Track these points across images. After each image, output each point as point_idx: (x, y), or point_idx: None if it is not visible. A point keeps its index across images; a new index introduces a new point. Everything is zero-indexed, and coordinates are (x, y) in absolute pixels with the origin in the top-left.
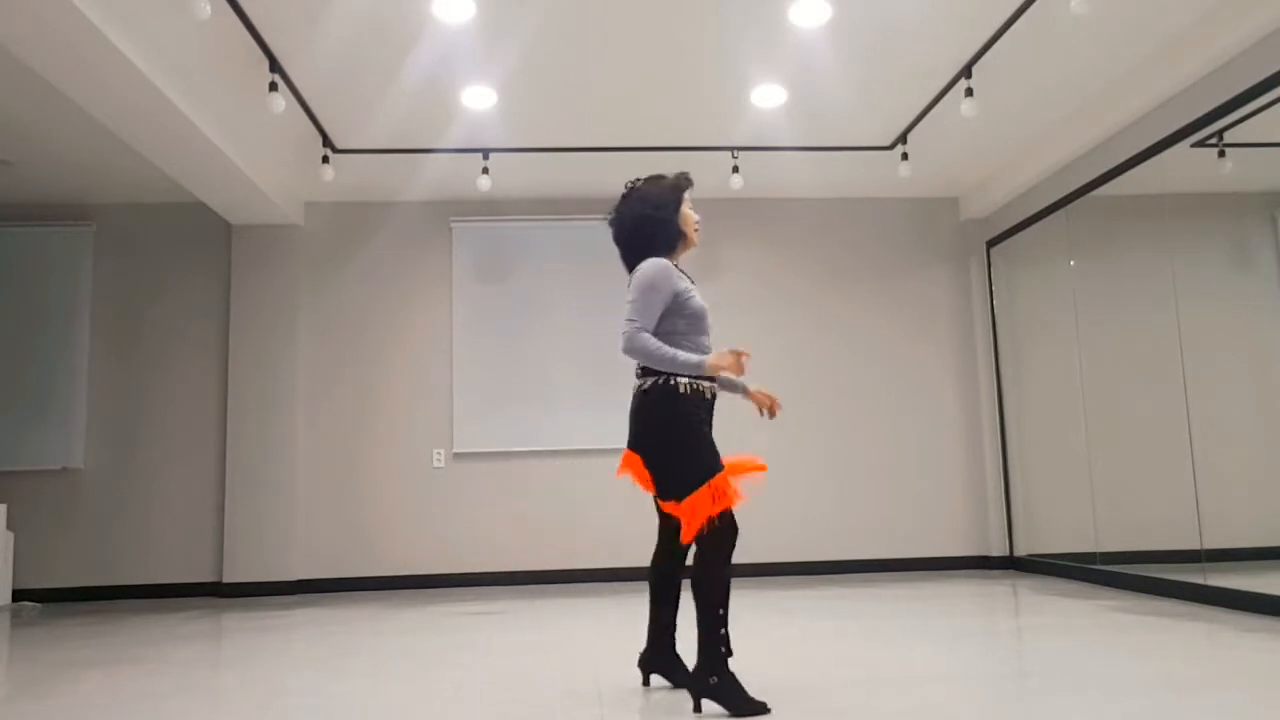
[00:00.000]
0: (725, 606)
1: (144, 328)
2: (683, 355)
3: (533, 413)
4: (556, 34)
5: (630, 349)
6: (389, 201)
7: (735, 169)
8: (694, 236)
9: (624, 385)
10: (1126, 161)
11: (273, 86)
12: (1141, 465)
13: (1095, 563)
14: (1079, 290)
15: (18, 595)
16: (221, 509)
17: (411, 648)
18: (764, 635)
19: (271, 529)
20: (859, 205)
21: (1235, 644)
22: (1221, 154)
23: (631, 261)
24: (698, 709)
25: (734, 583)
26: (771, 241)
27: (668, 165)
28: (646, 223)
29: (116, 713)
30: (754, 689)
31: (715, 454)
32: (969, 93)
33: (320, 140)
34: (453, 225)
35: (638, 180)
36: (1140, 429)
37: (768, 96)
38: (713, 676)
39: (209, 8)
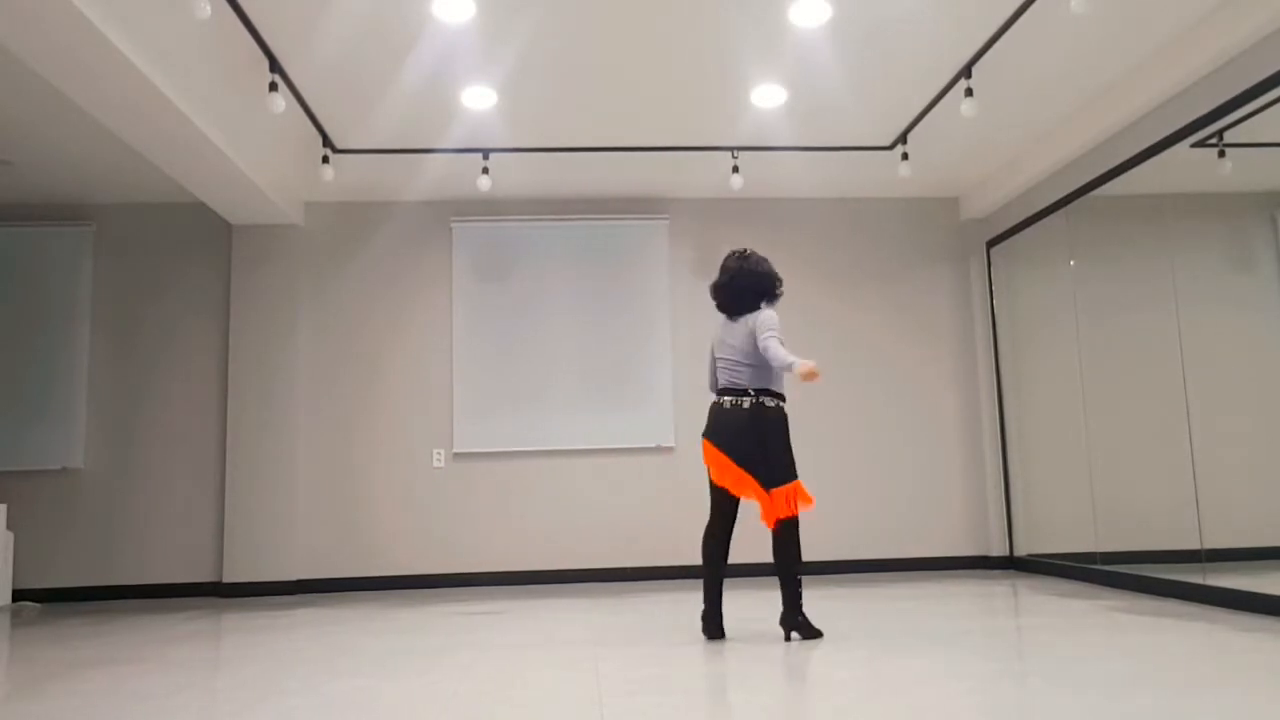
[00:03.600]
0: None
1: (144, 328)
2: (790, 357)
3: (533, 413)
4: (556, 34)
5: (773, 353)
6: (389, 201)
7: (735, 169)
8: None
9: (623, 385)
10: (1126, 161)
11: (273, 86)
12: (1141, 465)
13: (1095, 563)
14: (1079, 290)
15: (18, 595)
16: (221, 509)
17: (411, 648)
18: (764, 634)
19: (271, 529)
20: (859, 205)
21: (1234, 644)
22: (1221, 154)
23: (736, 306)
24: (788, 639)
25: (734, 581)
26: (771, 241)
27: (668, 165)
28: (766, 280)
29: (116, 713)
30: (753, 688)
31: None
32: (969, 93)
33: (320, 140)
34: (453, 225)
35: (747, 250)
36: (1140, 429)
37: (768, 96)
38: (799, 615)
39: (209, 8)
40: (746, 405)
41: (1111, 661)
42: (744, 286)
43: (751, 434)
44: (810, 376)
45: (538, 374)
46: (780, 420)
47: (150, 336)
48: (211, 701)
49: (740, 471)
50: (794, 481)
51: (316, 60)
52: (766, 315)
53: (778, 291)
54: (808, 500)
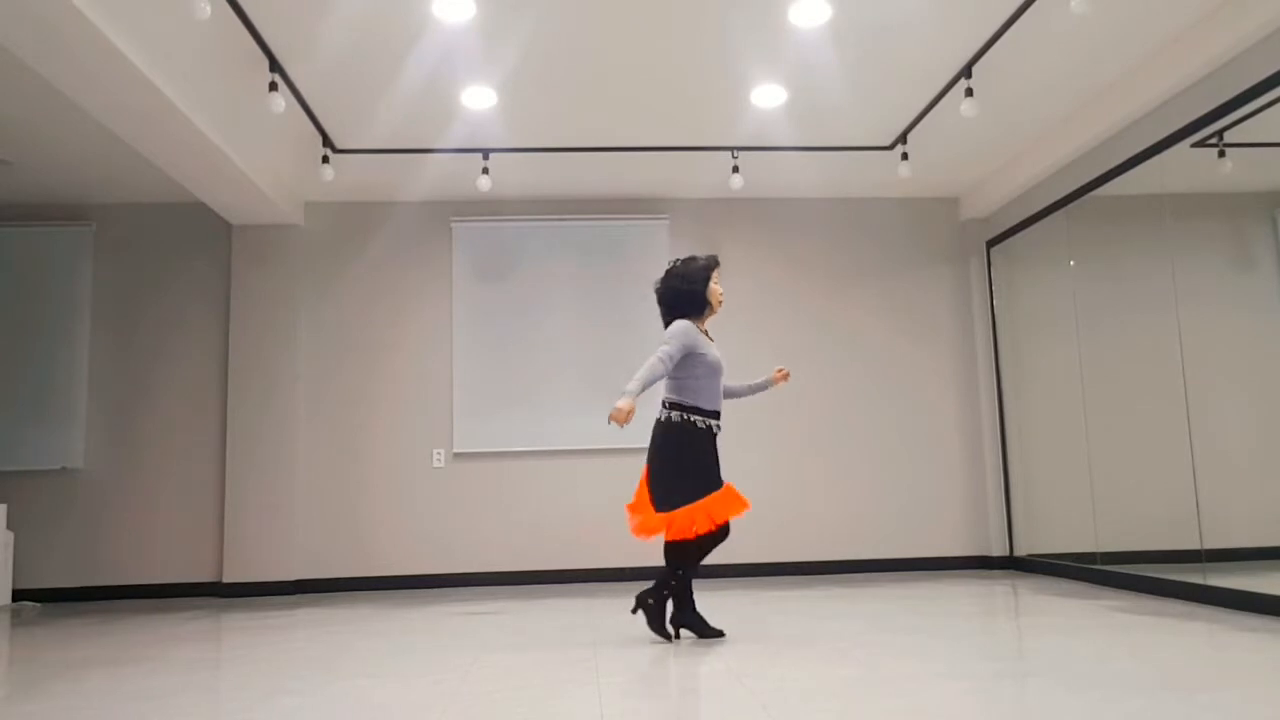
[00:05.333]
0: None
1: (144, 328)
2: (635, 385)
3: (533, 413)
4: (556, 34)
5: (645, 364)
6: (389, 201)
7: (735, 169)
8: (717, 306)
9: (622, 385)
10: (1126, 161)
11: (273, 86)
12: (1141, 465)
13: (1095, 563)
14: (1079, 290)
15: (18, 595)
16: (221, 509)
17: (411, 647)
18: (764, 635)
19: (271, 529)
20: (859, 205)
21: (1235, 644)
22: (1221, 154)
23: (667, 320)
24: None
25: (733, 581)
26: (771, 241)
27: (668, 165)
28: (679, 295)
29: (117, 712)
30: (753, 687)
31: (710, 480)
32: (969, 93)
33: (320, 140)
34: (453, 225)
35: (678, 261)
36: (1140, 429)
37: (768, 96)
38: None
39: (209, 8)
40: (660, 417)
41: (1111, 661)
42: (666, 302)
43: (652, 445)
44: (613, 419)
45: (538, 374)
46: (671, 432)
47: (150, 336)
48: (212, 701)
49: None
50: (677, 509)
51: (316, 60)
52: (672, 328)
53: (702, 302)
54: (682, 530)
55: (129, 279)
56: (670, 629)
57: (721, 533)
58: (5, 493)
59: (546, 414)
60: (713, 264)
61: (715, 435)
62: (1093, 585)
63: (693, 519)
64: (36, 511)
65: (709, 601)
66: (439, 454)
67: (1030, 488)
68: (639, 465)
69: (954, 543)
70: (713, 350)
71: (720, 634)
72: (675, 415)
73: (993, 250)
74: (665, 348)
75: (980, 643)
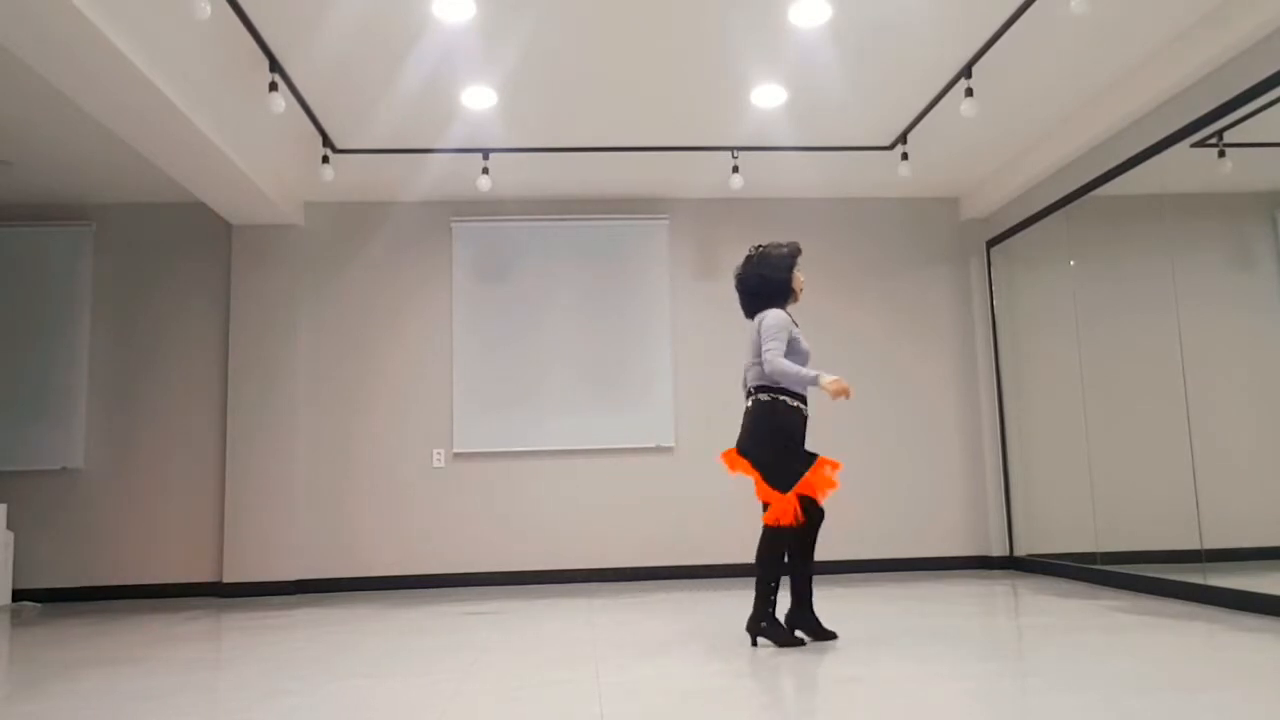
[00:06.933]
0: (776, 579)
1: (144, 328)
2: (809, 372)
3: (533, 413)
4: (556, 34)
5: (774, 370)
6: (389, 201)
7: (735, 169)
8: (800, 294)
9: (623, 385)
10: (1126, 161)
11: (273, 86)
12: (1141, 465)
13: (1095, 563)
14: (1079, 290)
15: (18, 595)
16: (221, 509)
17: (411, 647)
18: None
19: (271, 529)
20: (859, 205)
21: (1235, 644)
22: (1221, 154)
23: (752, 309)
24: (754, 644)
25: (734, 581)
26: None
27: (668, 165)
28: (767, 282)
29: (116, 712)
30: (752, 687)
31: (808, 457)
32: (969, 93)
33: (320, 140)
34: (453, 225)
35: (760, 246)
36: (1140, 429)
37: (768, 96)
38: (761, 621)
39: (209, 8)
40: (749, 404)
41: (1111, 661)
42: (751, 289)
43: (750, 431)
44: (840, 394)
45: (537, 374)
46: (773, 416)
47: (150, 337)
48: (212, 701)
49: (748, 464)
50: (785, 493)
51: (316, 60)
52: (769, 320)
53: (788, 290)
54: (788, 516)
55: (129, 279)
56: (797, 633)
57: (813, 516)
58: (5, 493)
59: (546, 414)
60: (796, 251)
61: (806, 419)
62: (1093, 585)
63: (795, 494)
64: (36, 511)
65: (709, 601)
66: (439, 454)
67: (1030, 488)
68: (638, 465)
69: (954, 543)
70: (804, 338)
71: (801, 643)
72: (781, 400)
73: (993, 250)
74: (775, 342)
75: (980, 643)
